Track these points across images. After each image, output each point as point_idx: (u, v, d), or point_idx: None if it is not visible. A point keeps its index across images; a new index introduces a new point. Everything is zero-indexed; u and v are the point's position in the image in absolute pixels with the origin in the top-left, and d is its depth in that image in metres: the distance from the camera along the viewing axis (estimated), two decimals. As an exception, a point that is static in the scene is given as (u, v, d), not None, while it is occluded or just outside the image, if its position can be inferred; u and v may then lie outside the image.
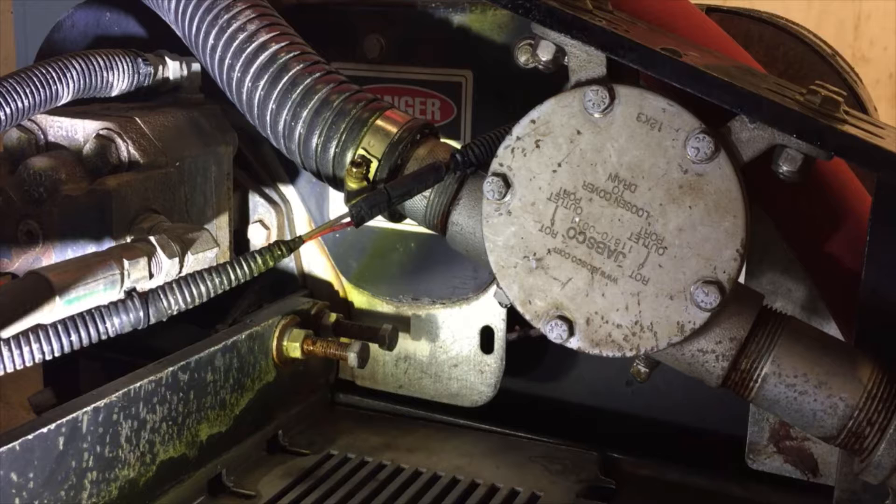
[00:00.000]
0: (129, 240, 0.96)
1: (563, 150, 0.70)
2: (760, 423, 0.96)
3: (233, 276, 0.81)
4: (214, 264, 0.82)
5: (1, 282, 0.96)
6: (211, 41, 0.92)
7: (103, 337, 0.77)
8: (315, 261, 1.19)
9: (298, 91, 0.87)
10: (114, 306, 0.77)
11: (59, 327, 0.74)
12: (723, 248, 0.67)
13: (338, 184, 0.88)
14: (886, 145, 0.65)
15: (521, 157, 0.72)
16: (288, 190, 1.19)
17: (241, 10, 0.91)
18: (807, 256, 0.85)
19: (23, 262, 0.97)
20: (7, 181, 0.98)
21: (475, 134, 1.08)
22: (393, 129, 0.85)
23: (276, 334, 1.02)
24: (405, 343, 1.14)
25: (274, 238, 1.18)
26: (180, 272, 0.94)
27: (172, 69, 1.11)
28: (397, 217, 0.87)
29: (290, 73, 0.88)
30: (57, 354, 0.75)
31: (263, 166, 1.19)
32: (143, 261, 0.90)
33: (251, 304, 1.16)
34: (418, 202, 0.82)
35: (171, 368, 0.87)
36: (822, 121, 0.65)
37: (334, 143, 0.86)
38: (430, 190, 0.81)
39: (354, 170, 0.83)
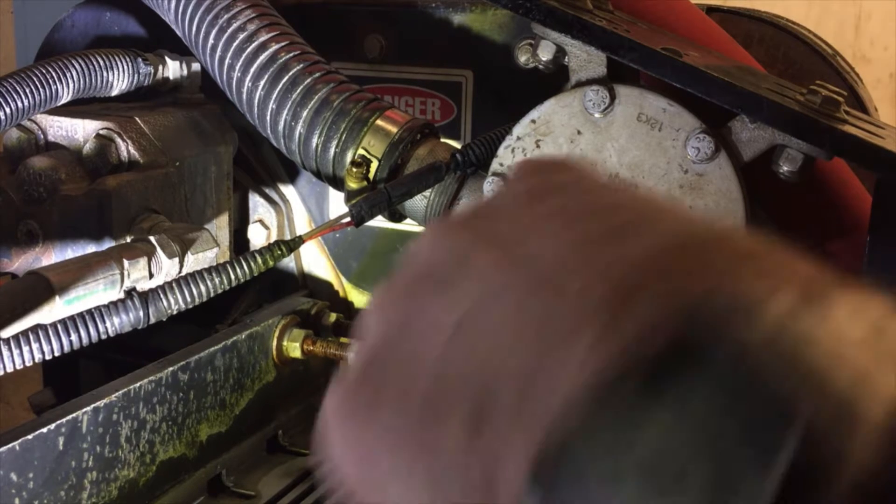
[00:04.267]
0: (128, 240, 0.96)
1: (564, 149, 0.70)
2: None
3: (233, 276, 0.81)
4: (214, 264, 0.82)
5: (1, 282, 0.96)
6: (211, 41, 0.92)
7: (103, 337, 0.77)
8: (315, 261, 1.19)
9: (298, 91, 0.87)
10: (114, 306, 0.77)
11: (59, 327, 0.74)
12: (723, 248, 0.67)
13: (338, 184, 0.88)
14: (887, 145, 0.65)
15: (522, 157, 0.72)
16: (288, 190, 1.19)
17: (241, 10, 0.91)
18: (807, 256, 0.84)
19: (23, 262, 0.97)
20: (7, 181, 0.98)
21: (475, 134, 1.08)
22: (393, 129, 0.85)
23: (276, 334, 1.02)
24: (405, 343, 1.14)
25: (274, 238, 1.18)
26: (180, 272, 0.94)
27: (172, 69, 1.11)
28: (397, 217, 0.87)
29: (290, 73, 0.88)
30: (57, 354, 0.75)
31: (263, 166, 1.19)
32: (143, 261, 0.90)
33: (251, 304, 1.16)
34: (418, 202, 0.82)
35: (171, 368, 0.87)
36: (822, 121, 0.65)
37: (334, 142, 0.86)
38: (430, 190, 0.81)
39: (354, 170, 0.83)
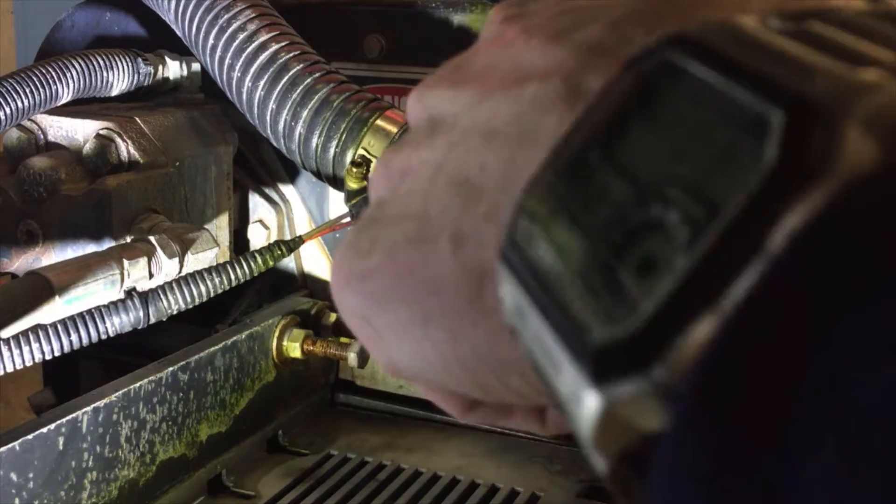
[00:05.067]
0: (128, 240, 0.96)
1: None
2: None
3: (233, 276, 0.81)
4: (214, 264, 0.82)
5: (1, 282, 0.96)
6: (211, 41, 0.92)
7: (103, 337, 0.77)
8: (315, 261, 1.19)
9: (298, 91, 0.87)
10: (114, 306, 0.77)
11: (59, 327, 0.75)
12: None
13: (338, 184, 0.88)
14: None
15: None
16: (288, 190, 1.19)
17: (241, 10, 0.91)
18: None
19: (23, 262, 0.97)
20: (7, 181, 0.98)
21: (475, 134, 1.07)
22: (393, 129, 0.85)
23: (276, 334, 1.02)
24: (405, 343, 1.14)
25: (274, 238, 1.18)
26: (180, 272, 0.94)
27: (172, 69, 1.11)
28: (397, 217, 0.87)
29: (290, 73, 0.88)
30: (57, 354, 0.75)
31: (263, 166, 1.19)
32: (142, 261, 0.91)
33: (251, 304, 1.16)
34: (418, 202, 0.82)
35: (171, 368, 0.87)
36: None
37: (334, 142, 0.86)
38: (430, 190, 0.81)
39: (354, 170, 0.83)
